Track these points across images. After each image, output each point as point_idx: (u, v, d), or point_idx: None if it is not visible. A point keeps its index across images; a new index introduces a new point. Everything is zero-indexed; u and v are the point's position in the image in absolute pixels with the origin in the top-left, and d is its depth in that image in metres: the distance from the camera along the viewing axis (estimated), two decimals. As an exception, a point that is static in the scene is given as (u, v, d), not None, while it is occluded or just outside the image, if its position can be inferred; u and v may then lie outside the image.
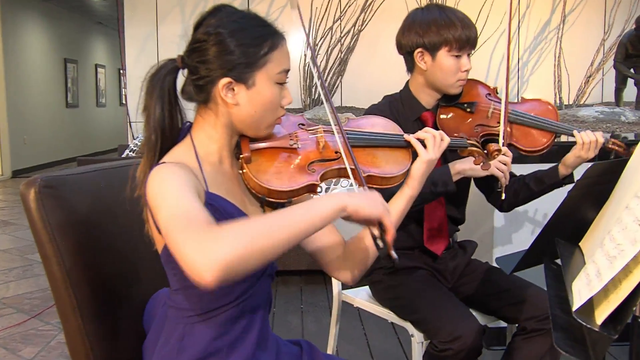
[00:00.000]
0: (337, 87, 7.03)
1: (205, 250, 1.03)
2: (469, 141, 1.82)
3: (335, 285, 2.47)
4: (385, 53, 6.90)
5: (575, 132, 2.13)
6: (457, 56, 2.08)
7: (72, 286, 1.42)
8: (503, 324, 2.38)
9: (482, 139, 2.13)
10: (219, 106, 1.40)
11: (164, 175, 1.25)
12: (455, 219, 2.28)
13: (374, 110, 2.19)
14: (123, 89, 9.70)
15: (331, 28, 6.76)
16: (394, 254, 1.27)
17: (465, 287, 2.23)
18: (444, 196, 2.11)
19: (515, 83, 7.97)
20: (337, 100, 7.24)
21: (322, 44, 6.79)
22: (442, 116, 2.17)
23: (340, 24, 6.81)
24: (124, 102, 8.92)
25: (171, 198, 1.18)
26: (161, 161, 1.35)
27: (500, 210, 2.37)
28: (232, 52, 1.35)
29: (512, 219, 3.02)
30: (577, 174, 2.65)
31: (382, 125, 1.68)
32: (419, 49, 2.11)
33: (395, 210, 1.58)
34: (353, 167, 1.46)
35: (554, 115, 2.22)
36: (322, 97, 1.47)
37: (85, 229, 1.47)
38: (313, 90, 6.85)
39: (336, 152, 1.50)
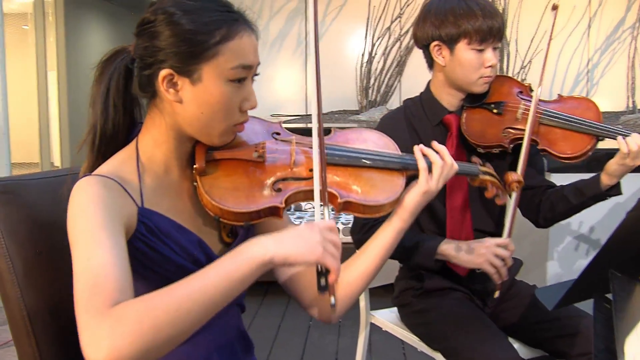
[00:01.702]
0: (394, 89, 6.79)
1: (98, 340, 0.90)
2: (481, 168, 1.54)
3: (363, 305, 2.23)
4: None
5: (619, 137, 1.82)
6: (479, 50, 1.83)
7: (25, 302, 1.25)
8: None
9: (511, 145, 1.88)
10: (164, 103, 1.20)
11: (83, 204, 1.07)
12: (490, 234, 2.01)
13: (386, 119, 1.97)
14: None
15: (389, 27, 6.53)
16: (332, 299, 1.09)
17: (506, 314, 1.97)
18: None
19: (585, 85, 7.57)
20: (395, 103, 7.01)
21: (379, 44, 6.56)
22: (466, 119, 1.92)
23: (400, 22, 6.57)
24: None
25: (84, 249, 1.02)
26: (94, 172, 1.16)
27: (537, 226, 2.08)
28: (177, 37, 1.14)
29: (573, 231, 2.70)
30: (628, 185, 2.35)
31: (374, 142, 1.43)
32: (436, 42, 1.88)
33: (380, 244, 1.35)
34: (321, 188, 1.20)
35: (596, 116, 1.91)
36: (312, 93, 1.25)
37: (44, 238, 1.31)
38: (370, 91, 6.65)
39: (310, 170, 1.24)
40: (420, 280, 1.97)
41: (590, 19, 7.39)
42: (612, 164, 1.83)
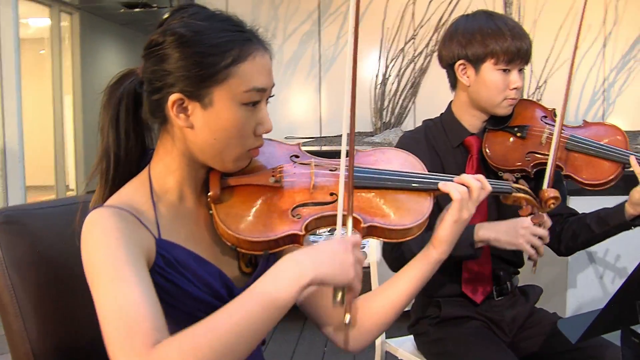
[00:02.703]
0: (409, 111, 6.76)
1: None
2: (514, 185, 1.46)
3: (378, 332, 2.17)
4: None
5: (633, 159, 1.77)
6: (505, 70, 1.79)
7: (28, 335, 1.21)
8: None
9: (534, 170, 1.82)
10: (175, 129, 1.15)
11: (100, 239, 1.02)
12: (510, 261, 1.94)
13: (407, 138, 1.91)
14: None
15: (403, 49, 6.51)
16: (348, 317, 1.07)
17: (527, 343, 1.89)
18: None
19: (601, 105, 7.49)
20: (409, 125, 6.97)
21: (393, 65, 6.54)
22: (488, 141, 1.87)
23: (414, 44, 6.54)
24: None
25: (109, 288, 0.97)
26: (106, 203, 1.11)
27: (558, 254, 2.02)
28: (187, 60, 1.09)
29: (596, 259, 2.63)
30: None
31: (399, 161, 1.34)
32: (461, 61, 1.84)
33: (415, 275, 1.28)
34: (355, 215, 1.15)
35: (623, 143, 1.86)
36: (346, 115, 1.13)
37: (50, 270, 1.26)
38: (384, 113, 6.62)
39: (331, 194, 1.19)
40: (438, 308, 1.91)
41: (605, 38, 7.33)
42: (637, 192, 1.76)
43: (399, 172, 1.29)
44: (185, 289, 1.11)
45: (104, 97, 1.18)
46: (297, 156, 1.27)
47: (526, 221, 1.65)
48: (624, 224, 1.83)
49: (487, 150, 1.85)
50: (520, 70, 1.81)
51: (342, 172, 1.13)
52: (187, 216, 1.18)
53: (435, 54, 6.49)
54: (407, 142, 1.89)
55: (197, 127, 1.12)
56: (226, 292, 1.15)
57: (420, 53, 6.52)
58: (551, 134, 1.82)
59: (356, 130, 4.22)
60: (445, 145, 1.89)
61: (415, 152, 1.84)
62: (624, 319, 1.15)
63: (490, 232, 1.69)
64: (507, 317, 1.90)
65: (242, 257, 1.21)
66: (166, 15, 1.15)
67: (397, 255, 1.74)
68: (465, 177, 1.29)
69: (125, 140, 1.17)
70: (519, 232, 1.67)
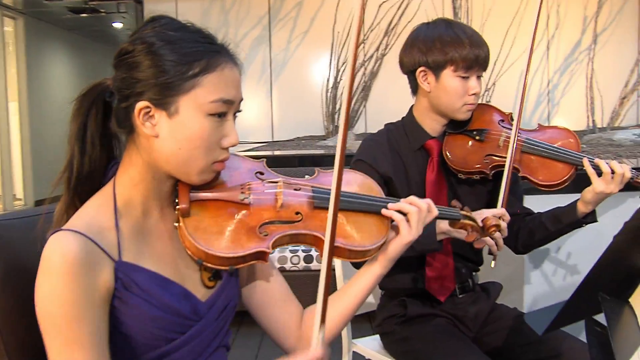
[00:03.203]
0: (360, 114, 6.83)
1: None
2: (462, 212, 1.51)
3: (345, 333, 2.21)
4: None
5: (585, 161, 1.84)
6: (464, 77, 1.84)
7: (6, 349, 1.19)
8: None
9: (492, 171, 1.89)
10: (140, 138, 1.14)
11: (56, 287, 1.02)
12: (470, 260, 2.01)
13: (369, 141, 1.95)
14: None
15: (353, 52, 6.57)
16: None
17: (490, 337, 1.95)
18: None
19: (546, 106, 7.70)
20: (360, 127, 7.04)
21: (344, 69, 6.60)
22: (448, 145, 1.92)
23: (364, 48, 6.62)
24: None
25: (62, 349, 1.02)
26: (65, 226, 1.08)
27: (516, 252, 2.08)
28: (156, 68, 1.09)
29: (548, 255, 2.72)
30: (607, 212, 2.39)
31: (358, 184, 1.38)
32: (422, 68, 1.88)
33: (360, 287, 1.32)
34: (318, 235, 1.18)
35: (576, 146, 1.95)
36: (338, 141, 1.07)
37: (23, 284, 1.21)
38: (336, 117, 6.67)
39: (297, 213, 1.21)
40: (403, 307, 1.95)
41: (548, 42, 7.55)
42: (588, 191, 1.85)
43: (359, 195, 1.32)
44: (145, 310, 1.10)
45: (74, 107, 1.17)
46: (261, 173, 1.28)
47: (486, 213, 1.69)
48: (576, 222, 1.91)
49: (447, 153, 1.90)
50: (479, 77, 1.87)
51: (333, 193, 1.09)
52: (150, 231, 1.18)
53: (385, 57, 6.62)
54: (370, 146, 1.93)
55: (162, 136, 1.11)
56: (190, 309, 1.16)
57: (371, 57, 6.61)
58: (508, 137, 1.89)
59: (309, 134, 4.27)
60: (407, 149, 1.94)
61: (378, 156, 1.90)
62: (587, 310, 1.21)
63: (450, 225, 1.74)
64: (470, 314, 1.95)
65: (204, 271, 1.22)
66: (138, 27, 1.16)
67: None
68: (396, 205, 1.32)
69: (90, 151, 1.16)
70: None
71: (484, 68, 1.85)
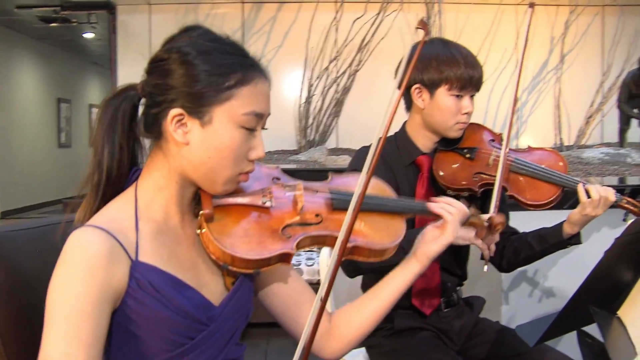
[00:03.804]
0: (332, 129, 6.87)
1: None
2: (471, 210, 1.55)
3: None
4: (381, 93, 6.76)
5: (579, 186, 1.91)
6: (457, 96, 1.90)
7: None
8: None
9: (481, 189, 1.94)
10: (169, 145, 1.16)
11: (71, 277, 1.04)
12: (456, 274, 2.05)
13: (364, 153, 1.98)
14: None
15: (327, 68, 6.62)
16: None
17: (474, 350, 2.00)
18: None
19: (514, 123, 7.83)
20: (333, 142, 7.08)
21: (317, 84, 6.64)
22: (439, 161, 1.97)
23: (337, 64, 6.67)
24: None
25: (60, 338, 1.01)
26: (90, 221, 1.11)
27: (500, 271, 2.14)
28: (192, 77, 1.12)
29: (521, 271, 2.79)
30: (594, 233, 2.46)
31: (372, 186, 1.41)
32: (417, 85, 1.93)
33: (397, 285, 1.36)
34: (345, 236, 1.18)
35: (563, 167, 2.01)
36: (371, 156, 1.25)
37: (28, 295, 1.23)
38: (309, 131, 6.70)
39: (317, 215, 1.26)
40: (390, 320, 1.98)
41: (517, 61, 7.68)
42: (575, 213, 1.91)
43: (375, 196, 1.38)
44: (158, 310, 1.11)
45: (100, 111, 1.19)
46: (278, 178, 1.32)
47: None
48: (561, 243, 1.97)
49: (438, 170, 1.95)
50: (472, 97, 1.92)
51: (355, 197, 1.16)
52: (171, 235, 1.19)
53: (358, 73, 6.68)
54: (365, 157, 1.95)
55: (193, 144, 1.13)
56: (203, 314, 1.17)
57: (344, 72, 6.66)
58: (498, 157, 1.94)
59: (281, 149, 4.32)
60: (398, 163, 1.97)
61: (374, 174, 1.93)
62: (578, 322, 1.27)
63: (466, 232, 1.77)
64: (455, 327, 1.99)
65: (227, 275, 1.23)
66: (173, 35, 1.19)
67: (351, 262, 1.81)
68: (450, 201, 1.41)
69: (119, 155, 1.17)
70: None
71: (478, 88, 1.90)
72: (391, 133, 2.06)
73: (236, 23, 7.24)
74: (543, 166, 1.98)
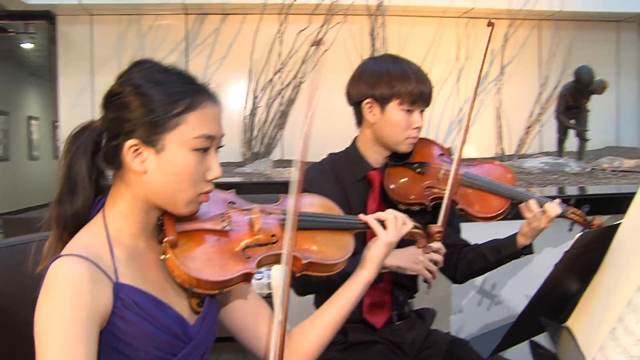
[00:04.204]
0: (277, 141, 6.87)
1: None
2: (414, 224, 1.62)
3: None
4: (326, 105, 6.74)
5: (526, 200, 1.95)
6: (408, 111, 1.91)
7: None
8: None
9: (431, 203, 1.97)
10: (129, 174, 1.21)
11: (58, 304, 1.06)
12: (407, 287, 2.08)
13: (314, 170, 2.00)
14: (57, 142, 9.33)
15: (271, 80, 6.63)
16: None
17: (426, 362, 2.02)
18: None
19: (457, 133, 7.98)
20: (278, 153, 7.09)
21: (262, 96, 6.64)
22: (389, 176, 1.99)
23: (281, 76, 6.69)
24: (58, 155, 8.56)
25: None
26: (64, 252, 1.14)
27: (454, 282, 2.17)
28: (144, 107, 1.17)
29: (475, 287, 2.84)
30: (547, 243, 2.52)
31: (320, 205, 1.53)
32: (368, 100, 1.94)
33: (349, 295, 1.41)
34: (295, 254, 1.30)
35: (511, 180, 2.05)
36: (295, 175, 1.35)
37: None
38: (253, 143, 6.69)
39: (273, 236, 1.33)
40: (344, 334, 1.99)
41: (459, 72, 7.85)
42: (524, 225, 1.96)
43: (324, 215, 1.47)
44: (144, 328, 1.15)
45: (64, 146, 1.23)
46: (234, 202, 1.38)
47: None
48: (515, 253, 2.00)
49: (388, 184, 1.96)
50: (422, 111, 1.95)
51: (289, 217, 1.28)
52: (140, 259, 1.23)
53: (303, 85, 6.69)
54: (315, 176, 1.96)
55: (150, 171, 1.18)
56: (182, 330, 1.22)
57: (289, 84, 6.68)
58: (447, 170, 1.96)
59: (226, 161, 4.34)
60: (349, 179, 1.98)
61: (323, 184, 1.93)
62: (529, 332, 1.30)
63: (394, 259, 1.81)
64: (407, 340, 2.01)
65: (192, 297, 1.27)
66: (125, 70, 1.23)
67: (303, 280, 1.81)
68: (392, 211, 1.48)
69: (80, 189, 1.21)
70: (418, 259, 1.82)
71: (428, 103, 1.92)
72: (342, 148, 2.08)
73: (179, 34, 7.20)
74: (491, 179, 2.01)
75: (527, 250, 2.00)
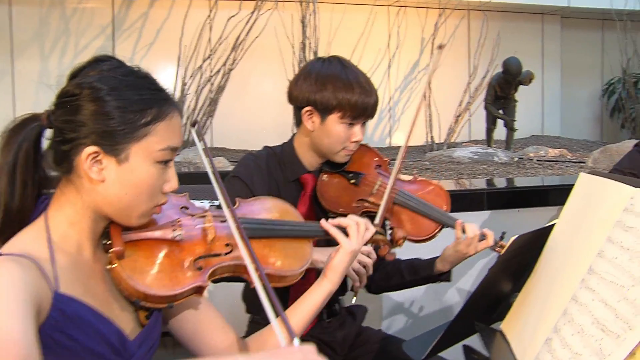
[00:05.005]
0: (207, 129, 6.75)
1: None
2: (377, 230, 1.56)
3: None
4: (256, 92, 6.74)
5: (457, 224, 1.87)
6: (349, 124, 1.82)
7: None
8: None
9: (362, 217, 1.90)
10: (82, 180, 1.11)
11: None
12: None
13: (249, 161, 1.91)
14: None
15: (201, 67, 6.50)
16: None
17: (358, 360, 1.98)
18: None
19: (387, 122, 8.03)
20: (207, 141, 6.92)
21: (191, 83, 6.50)
22: (323, 182, 1.91)
23: (210, 62, 6.56)
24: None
25: None
26: (4, 250, 1.04)
27: (369, 291, 2.10)
28: (106, 115, 1.07)
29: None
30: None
31: (279, 210, 1.42)
32: (309, 108, 1.84)
33: (311, 305, 1.35)
34: (255, 266, 1.18)
35: (446, 202, 1.96)
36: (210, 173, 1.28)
37: None
38: (182, 131, 6.53)
39: (227, 245, 1.23)
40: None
41: (390, 60, 7.90)
42: (449, 249, 1.90)
43: (283, 222, 1.37)
44: (84, 344, 1.07)
45: (2, 141, 1.11)
46: (186, 207, 1.28)
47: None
48: (431, 277, 1.96)
49: (320, 191, 1.89)
50: (363, 124, 1.87)
51: (231, 224, 1.19)
52: (84, 269, 1.14)
53: (233, 72, 6.58)
54: (250, 165, 1.88)
55: (109, 181, 1.10)
56: (121, 346, 1.14)
57: (218, 71, 6.56)
58: (382, 185, 1.89)
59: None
60: (282, 177, 1.91)
61: (256, 177, 1.85)
62: (462, 335, 1.28)
63: (322, 256, 1.75)
64: (338, 338, 1.96)
65: (140, 310, 1.19)
66: (81, 66, 1.12)
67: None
68: (354, 217, 1.40)
69: (21, 189, 1.11)
70: None
71: (371, 116, 1.84)
72: (273, 136, 1.98)
73: (106, 19, 6.99)
74: (425, 201, 1.93)
75: (445, 277, 1.95)
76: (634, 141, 2.57)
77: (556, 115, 9.09)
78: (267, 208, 1.41)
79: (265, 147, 1.97)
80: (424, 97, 1.83)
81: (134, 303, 1.14)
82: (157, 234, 1.18)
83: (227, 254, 1.23)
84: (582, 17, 9.12)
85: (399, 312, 2.80)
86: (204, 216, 1.26)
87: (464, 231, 1.86)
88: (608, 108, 9.44)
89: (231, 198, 1.85)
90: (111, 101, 1.08)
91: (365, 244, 1.49)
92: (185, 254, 1.19)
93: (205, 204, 2.29)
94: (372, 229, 1.41)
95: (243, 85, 6.84)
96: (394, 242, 1.59)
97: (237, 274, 1.25)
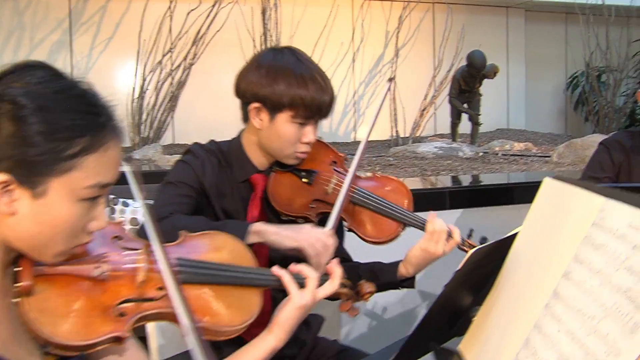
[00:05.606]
0: (167, 125, 6.60)
1: None
2: (341, 281, 1.39)
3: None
4: (217, 87, 6.59)
5: (430, 215, 1.75)
6: (301, 124, 1.67)
7: None
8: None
9: (317, 218, 1.75)
10: None
11: None
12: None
13: (202, 151, 1.72)
14: None
15: (160, 61, 6.34)
16: None
17: (314, 374, 1.88)
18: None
19: (352, 116, 7.95)
20: (169, 138, 6.82)
21: (151, 78, 6.33)
22: (273, 182, 1.75)
23: (171, 57, 6.40)
24: None
25: None
26: None
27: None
28: (26, 140, 0.89)
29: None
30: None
31: (229, 251, 1.24)
32: (257, 104, 1.67)
33: None
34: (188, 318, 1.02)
35: (407, 200, 1.84)
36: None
37: None
38: (142, 128, 6.38)
39: (160, 289, 1.05)
40: (219, 350, 1.79)
41: (354, 54, 7.81)
42: (414, 249, 1.76)
43: (230, 267, 1.20)
44: None
45: None
46: (120, 237, 1.10)
47: (312, 227, 1.61)
48: (392, 283, 1.82)
49: (272, 192, 1.74)
50: (316, 124, 1.70)
51: (165, 268, 1.02)
52: None
53: (194, 66, 6.43)
54: (202, 155, 1.72)
55: (20, 215, 0.93)
56: None
57: (179, 66, 6.40)
58: (338, 183, 1.76)
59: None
60: (232, 177, 1.76)
61: (208, 169, 1.68)
62: (421, 353, 1.18)
63: (270, 226, 1.56)
64: (293, 349, 1.87)
65: (47, 355, 0.99)
66: (6, 70, 0.93)
67: None
68: (293, 267, 1.25)
69: None
70: (304, 231, 1.59)
71: (326, 116, 1.69)
72: (234, 132, 1.82)
73: (62, 12, 6.78)
74: (386, 200, 1.80)
75: (408, 283, 1.81)
76: (598, 135, 2.51)
77: (521, 109, 9.10)
78: (215, 247, 1.23)
79: (212, 141, 1.81)
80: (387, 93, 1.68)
81: (42, 347, 0.96)
82: (77, 269, 1.00)
83: (157, 300, 1.05)
84: (546, 10, 9.15)
85: (359, 318, 2.70)
86: (136, 250, 1.07)
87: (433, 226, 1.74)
88: (572, 101, 9.49)
89: (178, 181, 1.70)
90: (34, 124, 0.90)
91: (333, 296, 1.36)
92: (108, 297, 1.01)
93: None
94: (337, 284, 1.28)
95: (204, 80, 6.70)
96: (359, 296, 1.48)
97: (168, 321, 1.07)
